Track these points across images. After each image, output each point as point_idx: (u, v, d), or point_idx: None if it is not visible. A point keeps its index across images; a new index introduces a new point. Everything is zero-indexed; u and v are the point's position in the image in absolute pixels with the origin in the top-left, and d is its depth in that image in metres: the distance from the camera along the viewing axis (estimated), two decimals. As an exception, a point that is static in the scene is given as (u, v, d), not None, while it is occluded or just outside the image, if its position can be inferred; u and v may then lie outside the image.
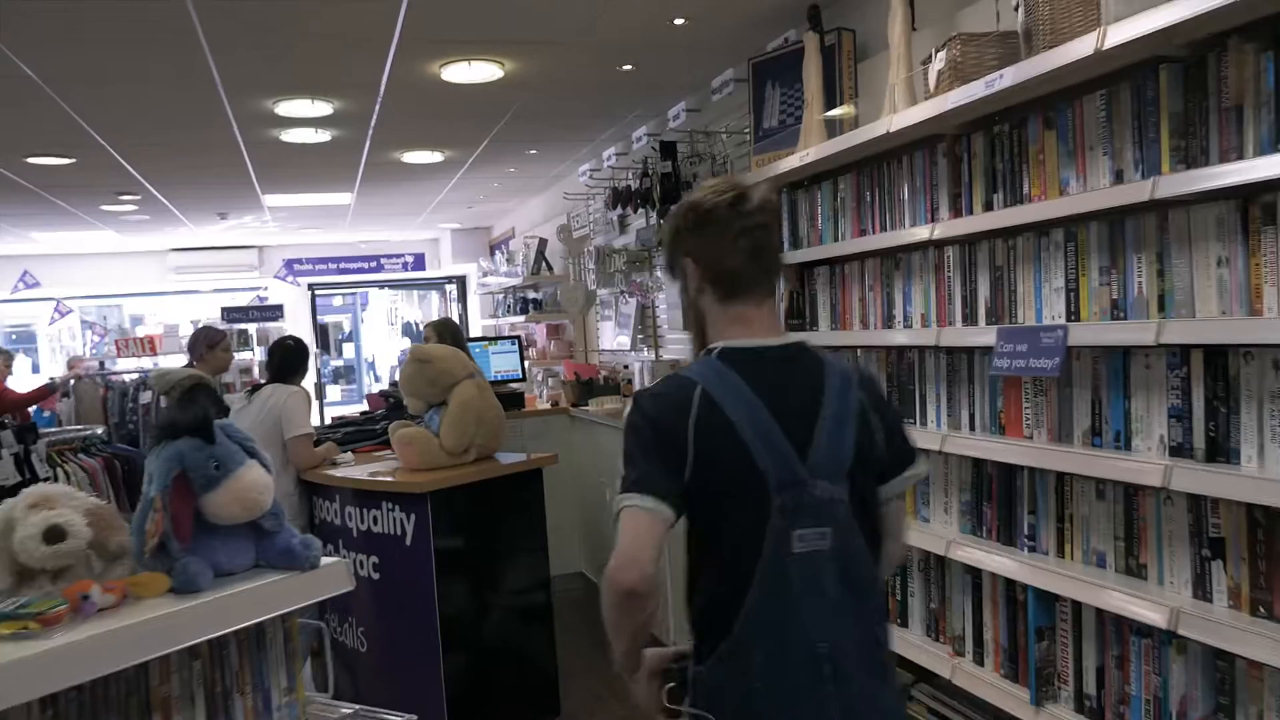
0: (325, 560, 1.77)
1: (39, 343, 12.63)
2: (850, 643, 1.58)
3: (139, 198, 7.50)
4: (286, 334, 4.90)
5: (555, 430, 6.53)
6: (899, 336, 2.98)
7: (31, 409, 8.88)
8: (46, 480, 4.27)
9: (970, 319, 2.69)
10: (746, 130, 4.28)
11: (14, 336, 13.87)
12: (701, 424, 1.58)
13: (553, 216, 8.43)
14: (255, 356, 9.51)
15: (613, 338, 7.08)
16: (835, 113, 3.48)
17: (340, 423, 5.56)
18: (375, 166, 6.90)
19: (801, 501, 1.57)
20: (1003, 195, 2.54)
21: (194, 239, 10.73)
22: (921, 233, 2.78)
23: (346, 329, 26.56)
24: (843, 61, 3.61)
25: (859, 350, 3.21)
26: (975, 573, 2.69)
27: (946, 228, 2.68)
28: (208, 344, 5.12)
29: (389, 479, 3.98)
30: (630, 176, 5.95)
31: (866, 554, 1.63)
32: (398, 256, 12.47)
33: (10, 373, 8.77)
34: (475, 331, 11.93)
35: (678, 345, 5.78)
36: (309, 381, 5.62)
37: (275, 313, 9.48)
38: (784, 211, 3.63)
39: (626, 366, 6.56)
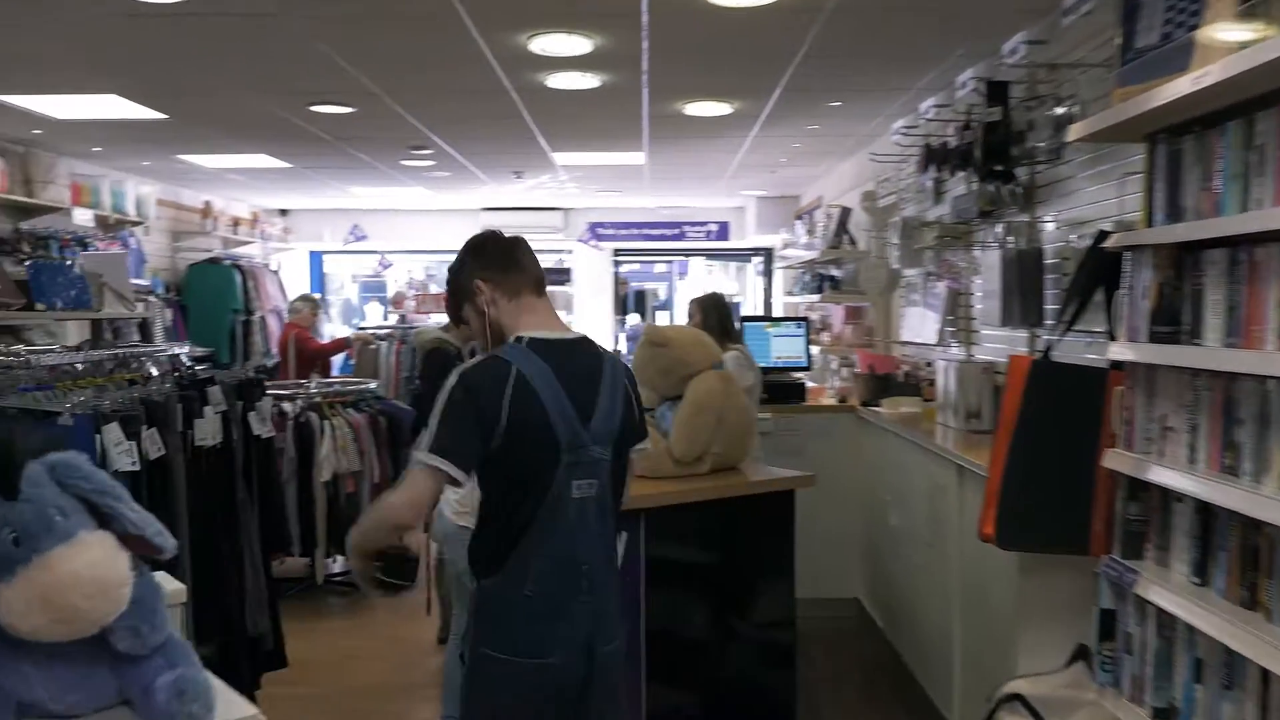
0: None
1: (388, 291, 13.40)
2: (601, 562, 2.23)
3: (431, 152, 7.36)
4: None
5: (839, 431, 5.58)
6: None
7: (338, 358, 9.24)
8: (264, 439, 4.01)
9: None
10: (1108, 62, 3.10)
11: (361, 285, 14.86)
12: (514, 398, 2.08)
13: (861, 184, 7.39)
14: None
15: (917, 328, 5.98)
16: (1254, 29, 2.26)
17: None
18: (660, 121, 6.23)
19: (580, 459, 2.15)
20: None
21: (502, 199, 10.75)
22: None
23: (662, 296, 26.78)
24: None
25: (1272, 381, 2.03)
26: None
27: None
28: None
29: (602, 486, 3.27)
30: (950, 131, 4.84)
31: (614, 498, 2.28)
32: (701, 225, 11.90)
33: (317, 320, 9.14)
34: (777, 310, 11.14)
35: (997, 344, 4.62)
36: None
37: (563, 276, 9.20)
38: (1159, 168, 2.47)
39: (929, 364, 5.46)
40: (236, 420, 3.74)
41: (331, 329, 11.29)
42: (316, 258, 12.71)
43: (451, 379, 2.13)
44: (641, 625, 3.14)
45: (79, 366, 3.34)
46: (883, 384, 5.47)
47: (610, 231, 11.85)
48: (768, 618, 3.51)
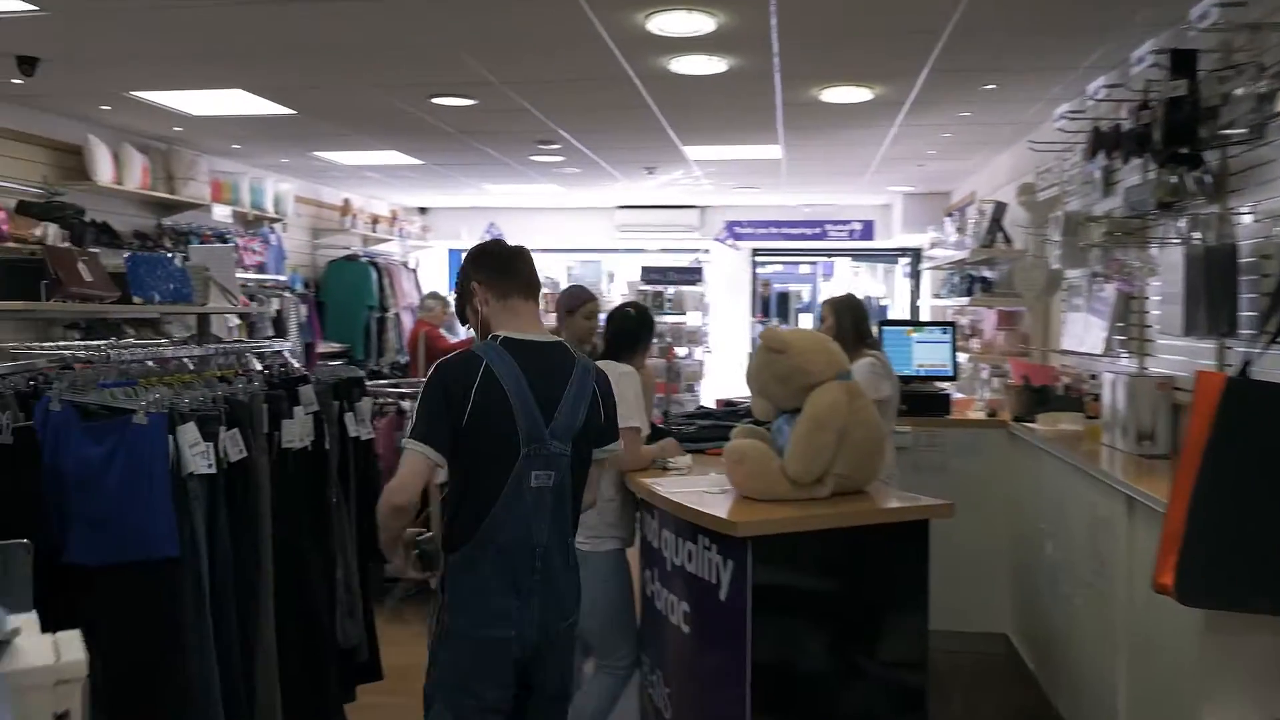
0: None
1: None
2: (555, 545, 2.45)
3: (559, 147, 7.16)
4: (629, 300, 4.06)
5: (988, 448, 5.06)
6: None
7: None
8: (363, 441, 3.84)
9: None
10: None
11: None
12: (480, 390, 2.35)
13: (1019, 177, 6.77)
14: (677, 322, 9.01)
15: (1080, 335, 5.36)
16: None
17: (700, 412, 4.62)
18: (795, 109, 5.82)
19: (539, 451, 2.38)
20: None
21: (637, 196, 10.51)
22: None
23: (806, 298, 26.10)
24: None
25: None
26: None
27: None
28: (568, 307, 4.42)
29: (707, 508, 2.92)
30: (1123, 113, 4.26)
31: (573, 490, 2.49)
32: (843, 223, 11.35)
33: (448, 317, 9.10)
34: (925, 315, 10.50)
35: (1176, 355, 4.03)
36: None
37: (694, 275, 8.85)
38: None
39: (1094, 377, 4.86)
40: (332, 421, 3.57)
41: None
42: (455, 256, 12.81)
43: (431, 371, 2.43)
44: (747, 656, 2.78)
45: (184, 361, 3.23)
46: (1039, 397, 4.91)
47: (748, 230, 11.45)
48: (895, 656, 3.07)
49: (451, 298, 10.72)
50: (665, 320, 8.89)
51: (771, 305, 16.89)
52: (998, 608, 5.00)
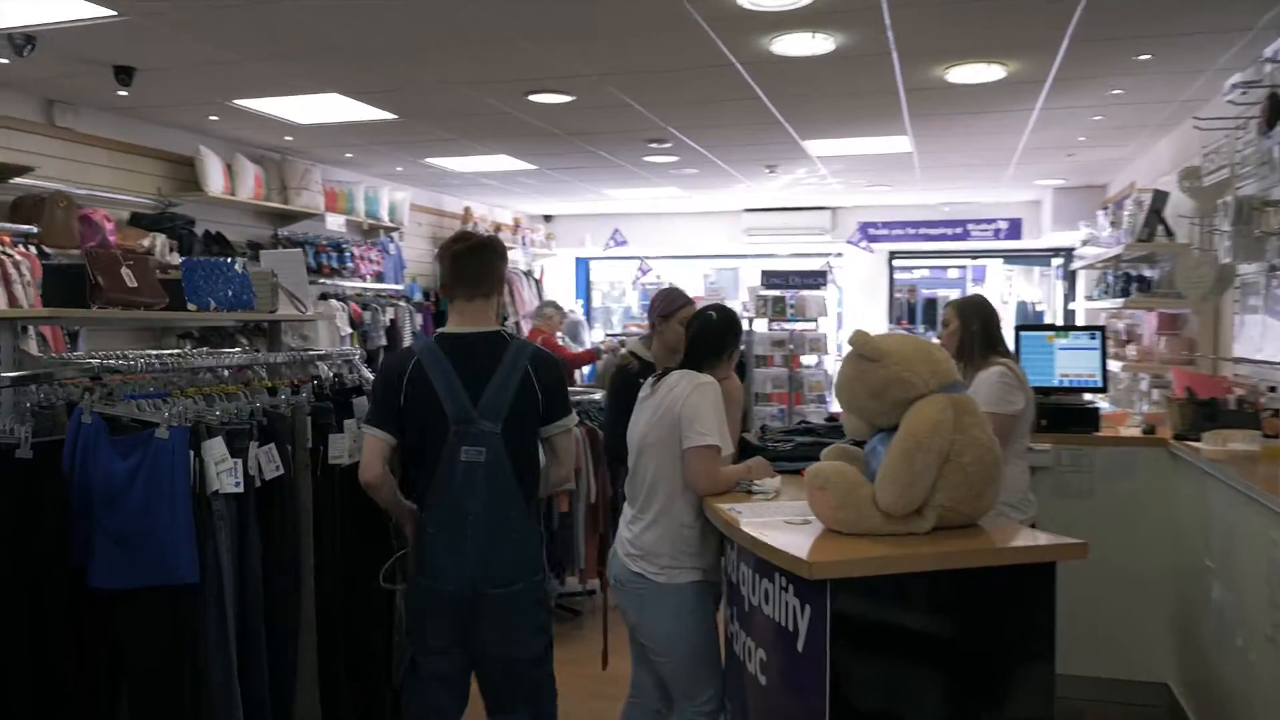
0: None
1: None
2: (486, 514, 2.71)
3: (670, 145, 6.82)
4: (714, 303, 3.66)
5: (1144, 470, 4.40)
6: None
7: (585, 369, 8.96)
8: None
9: None
10: None
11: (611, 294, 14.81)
12: (411, 379, 2.71)
13: (1185, 163, 6.02)
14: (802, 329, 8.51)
15: (1257, 340, 4.64)
16: None
17: (801, 427, 4.16)
18: (919, 94, 5.29)
19: (468, 430, 2.69)
20: None
21: (763, 198, 10.07)
22: None
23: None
24: None
25: None
26: None
27: None
28: (661, 313, 4.06)
29: (782, 541, 2.49)
30: (1308, 76, 3.60)
31: (508, 465, 2.73)
32: (987, 222, 10.58)
33: (566, 326, 8.89)
34: (1079, 320, 9.65)
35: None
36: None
37: (818, 279, 8.32)
38: None
39: (1272, 389, 4.16)
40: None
41: (597, 337, 11.11)
42: (582, 264, 12.66)
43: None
44: (826, 707, 2.35)
45: (220, 370, 3.05)
46: (1206, 412, 4.24)
47: (883, 232, 10.82)
48: (1015, 713, 2.58)
49: (577, 306, 10.56)
50: (789, 327, 8.40)
51: (918, 312, 16.07)
52: (1157, 654, 4.34)
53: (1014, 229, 10.52)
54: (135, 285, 2.98)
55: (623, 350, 4.95)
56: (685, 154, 7.18)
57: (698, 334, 3.31)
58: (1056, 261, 12.20)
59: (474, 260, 2.83)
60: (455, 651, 2.79)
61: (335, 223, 7.25)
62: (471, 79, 5.01)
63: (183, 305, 3.24)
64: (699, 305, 3.59)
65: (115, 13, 3.88)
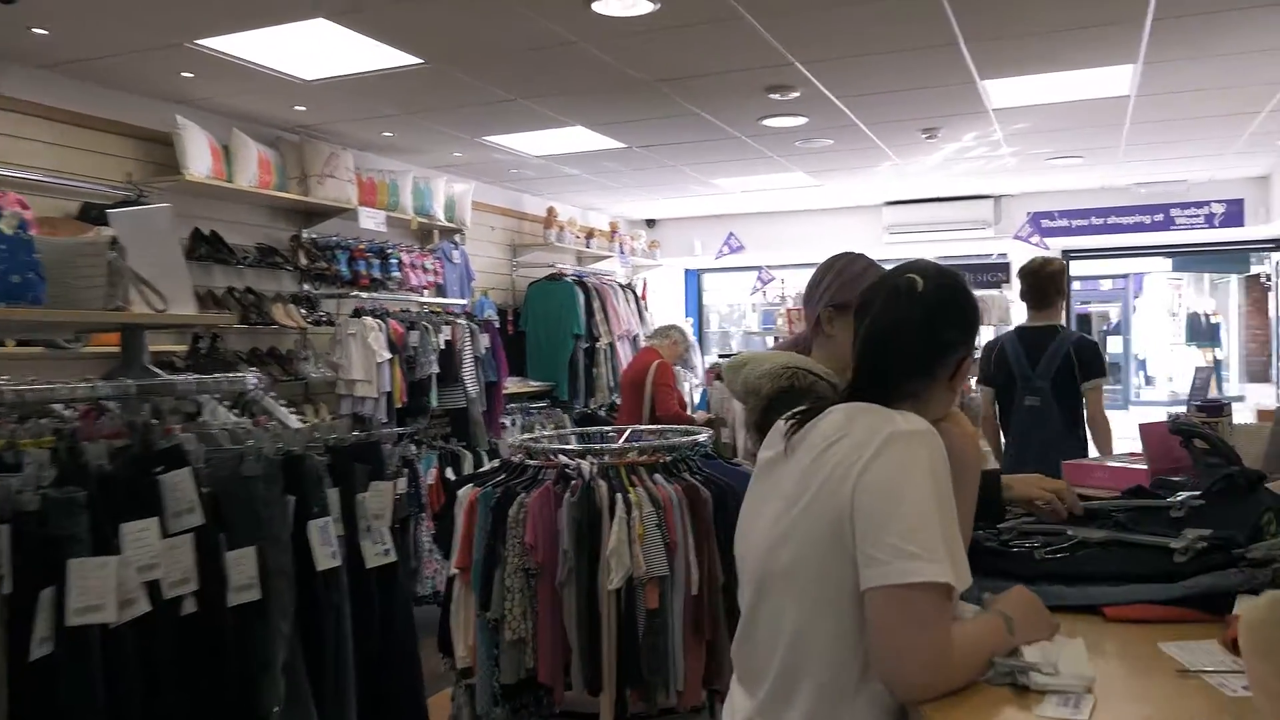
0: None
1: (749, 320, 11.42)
2: None
3: (798, 96, 5.05)
4: (914, 262, 1.91)
5: None
6: None
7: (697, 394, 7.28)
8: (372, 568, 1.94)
9: None
10: None
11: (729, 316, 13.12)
12: None
13: None
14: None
15: None
16: None
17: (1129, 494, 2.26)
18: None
19: None
20: None
21: (911, 187, 8.19)
22: None
23: (1114, 319, 22.16)
24: None
25: None
26: None
27: None
28: (834, 300, 2.34)
29: None
30: None
31: None
32: (1198, 206, 8.40)
33: (686, 353, 7.19)
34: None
35: None
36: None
37: (994, 275, 6.36)
38: None
39: None
40: (275, 535, 1.69)
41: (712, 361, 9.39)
42: (692, 276, 10.96)
43: None
44: None
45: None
46: None
47: (1060, 223, 8.75)
48: None
49: (688, 326, 8.86)
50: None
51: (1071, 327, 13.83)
52: None
53: (1234, 214, 8.31)
54: None
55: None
56: (818, 111, 5.41)
57: (881, 325, 1.57)
58: (1274, 259, 9.87)
59: None
60: None
61: (373, 221, 5.76)
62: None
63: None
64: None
65: None
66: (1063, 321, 4.56)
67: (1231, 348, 18.49)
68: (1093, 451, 4.26)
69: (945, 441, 1.48)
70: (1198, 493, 2.03)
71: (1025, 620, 1.49)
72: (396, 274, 6.04)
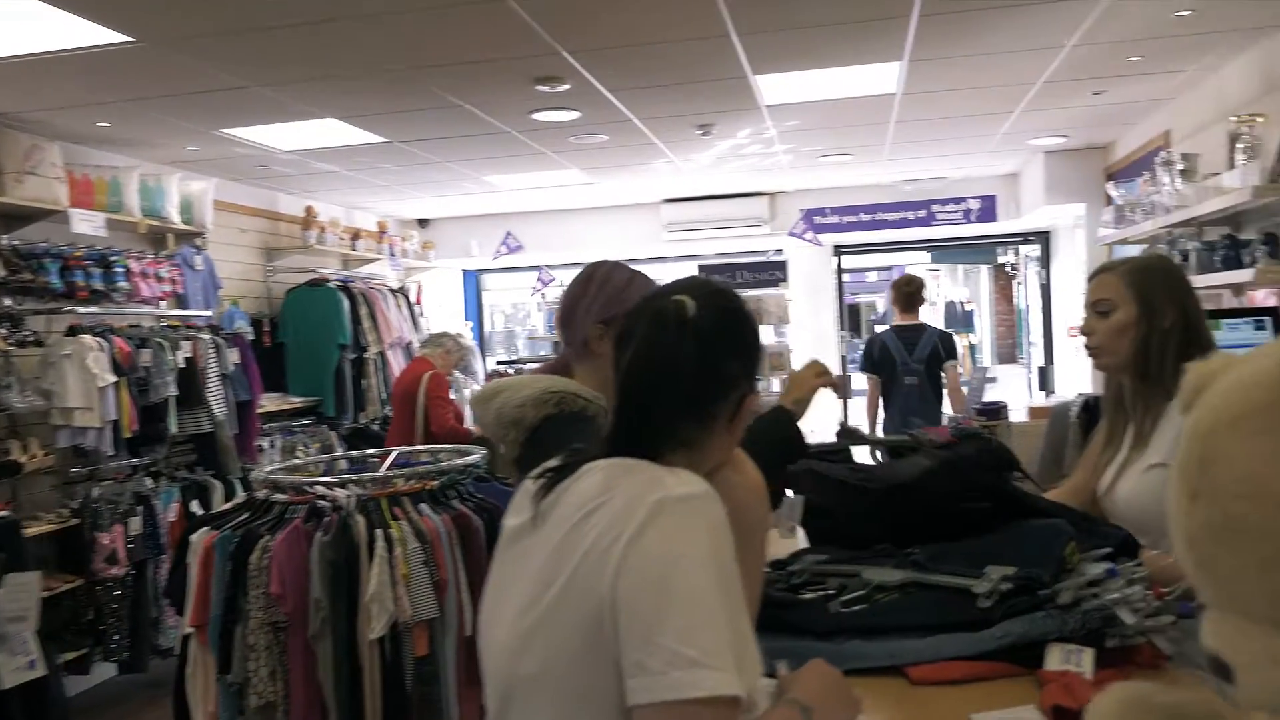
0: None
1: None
2: None
3: (569, 88, 4.76)
4: (689, 278, 1.67)
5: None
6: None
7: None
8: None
9: None
10: None
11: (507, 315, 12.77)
12: None
13: (1274, 90, 4.27)
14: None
15: None
16: None
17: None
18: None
19: None
20: None
21: (688, 184, 8.10)
22: None
23: (880, 309, 23.39)
24: None
25: None
26: None
27: None
28: (601, 313, 2.05)
29: None
30: None
31: None
32: (955, 202, 8.80)
33: (460, 362, 6.79)
34: (1060, 328, 7.91)
35: None
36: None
37: (774, 273, 6.35)
38: None
39: None
40: None
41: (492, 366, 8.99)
42: (471, 277, 10.52)
43: None
44: None
45: None
46: None
47: (831, 220, 8.94)
48: None
49: (467, 329, 8.40)
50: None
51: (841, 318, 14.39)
52: None
53: (987, 209, 8.76)
54: None
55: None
56: (590, 105, 5.14)
57: (645, 360, 1.28)
58: (1026, 250, 10.55)
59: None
60: None
61: (89, 224, 5.01)
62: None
63: None
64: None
65: None
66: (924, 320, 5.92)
67: (984, 332, 19.89)
68: (948, 410, 5.71)
69: (726, 495, 1.21)
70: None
71: (825, 708, 1.24)
72: (124, 284, 5.29)
